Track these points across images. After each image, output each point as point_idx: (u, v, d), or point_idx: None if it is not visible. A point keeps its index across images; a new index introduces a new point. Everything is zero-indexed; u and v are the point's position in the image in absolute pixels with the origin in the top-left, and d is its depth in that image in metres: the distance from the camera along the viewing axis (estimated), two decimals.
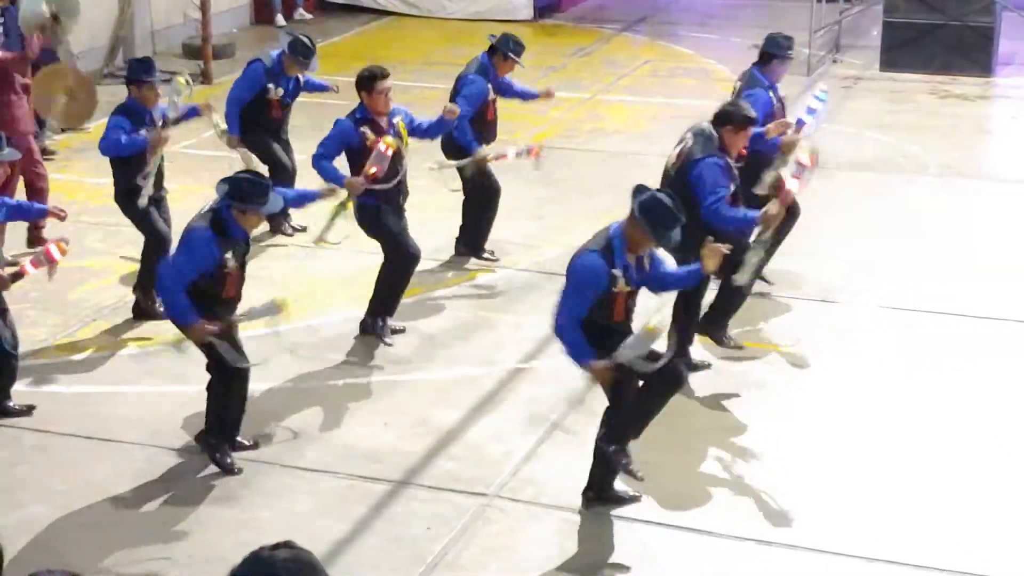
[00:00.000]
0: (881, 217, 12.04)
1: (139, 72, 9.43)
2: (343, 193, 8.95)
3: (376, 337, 9.31)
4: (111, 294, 10.20)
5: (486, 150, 10.47)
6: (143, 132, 9.27)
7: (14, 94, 10.80)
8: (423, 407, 8.59)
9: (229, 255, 7.46)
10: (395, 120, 9.27)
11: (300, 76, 11.14)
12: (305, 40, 10.91)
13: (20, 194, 10.74)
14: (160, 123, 9.39)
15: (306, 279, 10.36)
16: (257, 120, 10.96)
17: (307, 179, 12.66)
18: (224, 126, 10.54)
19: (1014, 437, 8.29)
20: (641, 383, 7.00)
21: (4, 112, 10.71)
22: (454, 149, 10.53)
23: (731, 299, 8.92)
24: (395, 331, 9.42)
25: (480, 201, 10.75)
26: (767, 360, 9.24)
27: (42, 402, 8.55)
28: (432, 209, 11.37)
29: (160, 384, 8.84)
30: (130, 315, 9.75)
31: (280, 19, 19.95)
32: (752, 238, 8.58)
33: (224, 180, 7.51)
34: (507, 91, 10.88)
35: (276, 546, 3.19)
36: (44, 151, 12.49)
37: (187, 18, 18.01)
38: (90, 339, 9.50)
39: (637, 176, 12.99)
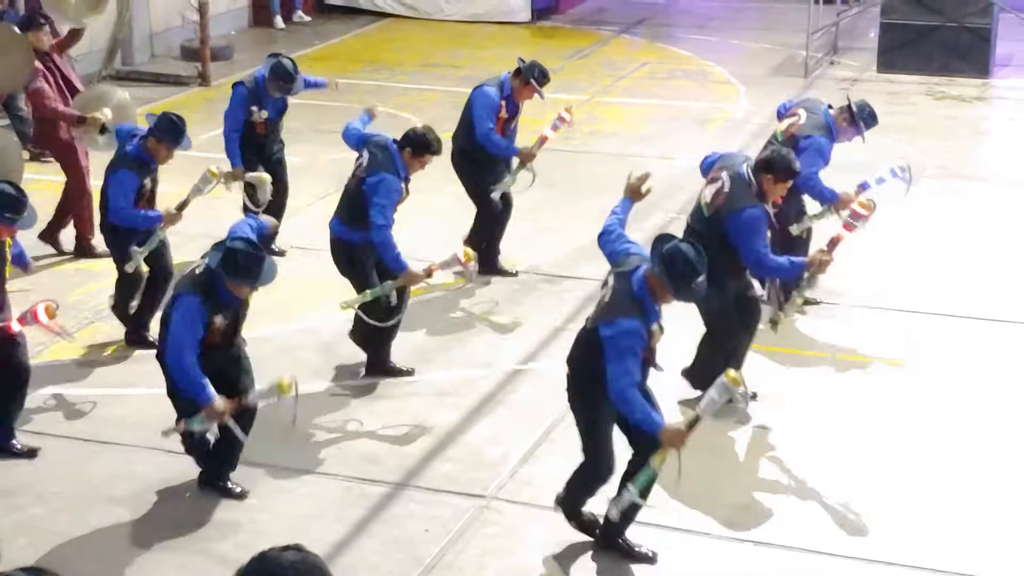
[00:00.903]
0: (877, 218, 12.02)
1: (169, 135, 9.04)
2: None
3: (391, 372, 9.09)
4: (110, 296, 10.20)
5: (526, 148, 10.38)
6: (157, 211, 9.10)
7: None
8: (421, 409, 8.60)
9: (219, 317, 7.20)
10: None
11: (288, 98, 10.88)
12: (287, 65, 10.55)
13: None
14: (176, 204, 9.11)
15: (304, 281, 10.36)
16: (241, 142, 10.67)
17: (306, 179, 12.69)
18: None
19: (1012, 438, 8.30)
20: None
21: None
22: (492, 169, 10.42)
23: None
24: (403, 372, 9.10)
25: (496, 216, 10.60)
26: (770, 360, 9.24)
27: (40, 404, 8.56)
28: (431, 210, 11.39)
29: (158, 386, 8.78)
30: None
31: (279, 21, 19.96)
32: (798, 286, 8.46)
33: (217, 246, 7.20)
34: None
35: (285, 548, 3.21)
36: (43, 152, 12.50)
37: (185, 20, 18.03)
38: (88, 341, 9.51)
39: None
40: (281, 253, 10.72)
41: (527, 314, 10.05)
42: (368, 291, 8.61)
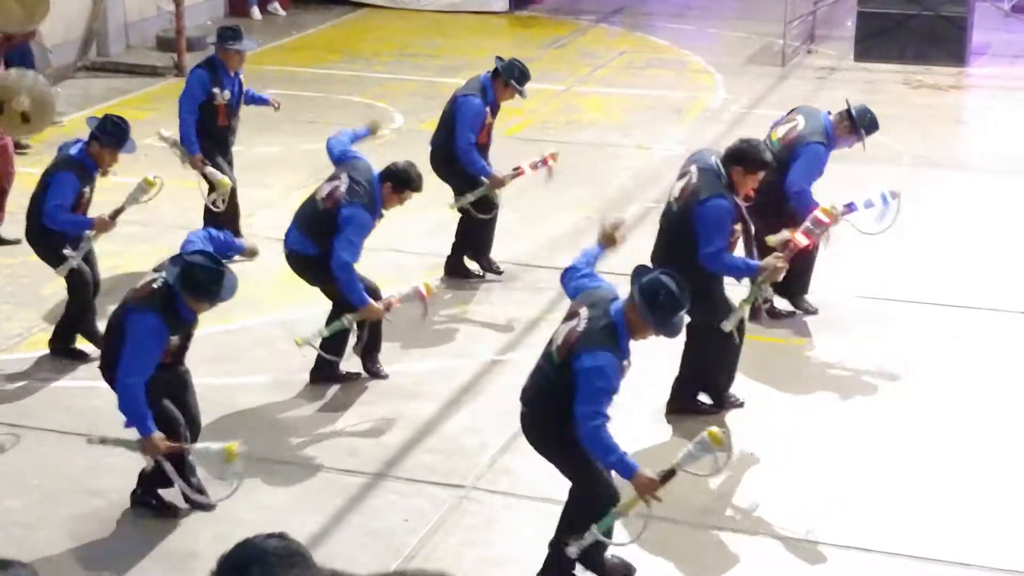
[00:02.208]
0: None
1: (112, 138, 8.80)
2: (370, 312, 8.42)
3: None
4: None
5: (499, 175, 10.10)
6: (89, 217, 8.78)
7: None
8: (399, 400, 8.59)
9: (175, 338, 6.94)
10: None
11: (242, 77, 10.73)
12: (229, 26, 10.61)
13: None
14: (110, 212, 8.78)
15: (279, 272, 10.33)
16: (204, 133, 10.44)
17: (281, 170, 12.65)
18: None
19: (995, 424, 8.34)
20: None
21: None
22: (465, 179, 10.14)
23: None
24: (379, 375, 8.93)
25: (481, 226, 10.38)
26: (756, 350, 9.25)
27: (17, 397, 8.52)
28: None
29: None
30: (103, 310, 9.69)
31: (255, 12, 19.88)
32: (749, 285, 8.19)
33: (174, 261, 6.92)
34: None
35: (268, 536, 3.26)
36: (17, 145, 12.41)
37: (161, 10, 17.95)
38: None
39: (613, 167, 13.13)
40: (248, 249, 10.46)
41: (504, 305, 10.04)
42: (325, 328, 8.45)
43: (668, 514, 7.21)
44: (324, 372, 8.75)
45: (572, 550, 6.33)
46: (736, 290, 8.57)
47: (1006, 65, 17.35)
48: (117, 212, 8.83)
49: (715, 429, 6.10)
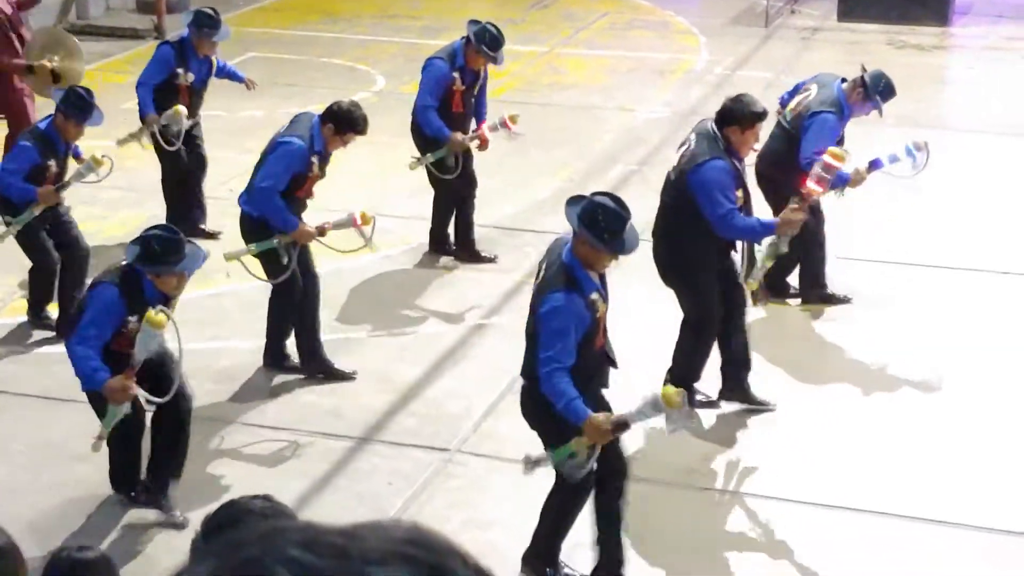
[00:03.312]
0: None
1: (75, 110, 8.63)
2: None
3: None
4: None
5: (459, 135, 9.76)
6: (39, 189, 8.55)
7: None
8: (384, 364, 8.59)
9: (134, 318, 6.60)
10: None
11: (213, 58, 10.40)
12: (209, 11, 10.22)
13: None
14: (56, 185, 8.63)
15: None
16: (163, 110, 10.05)
17: (262, 134, 12.62)
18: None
19: (980, 385, 8.38)
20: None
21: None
22: (426, 142, 9.87)
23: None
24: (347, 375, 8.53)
25: (458, 196, 10.12)
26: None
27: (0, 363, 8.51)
28: (394, 165, 11.34)
29: None
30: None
31: None
32: (766, 243, 7.81)
33: (135, 241, 6.73)
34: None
35: (255, 497, 3.32)
36: None
37: None
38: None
39: (596, 130, 13.11)
40: (214, 235, 10.16)
41: (489, 269, 10.03)
42: (254, 244, 8.19)
43: (651, 475, 7.25)
44: (269, 355, 8.46)
45: (528, 468, 6.31)
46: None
47: (989, 25, 17.33)
48: (62, 187, 8.69)
49: (670, 388, 6.02)
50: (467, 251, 10.17)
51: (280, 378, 8.39)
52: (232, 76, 10.79)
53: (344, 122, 8.13)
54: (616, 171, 11.72)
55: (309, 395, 8.21)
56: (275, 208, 8.07)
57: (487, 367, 8.53)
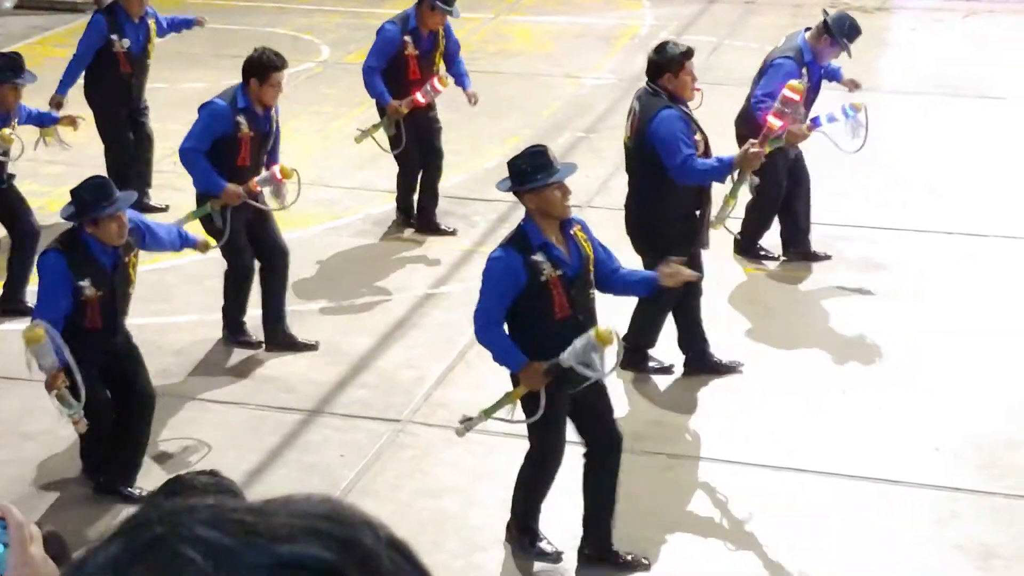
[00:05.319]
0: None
1: (6, 71, 8.44)
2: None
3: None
4: None
5: (395, 102, 9.62)
6: None
7: None
8: (334, 335, 8.57)
9: (85, 282, 6.55)
10: (273, 115, 8.26)
11: (151, 22, 10.15)
12: None
13: None
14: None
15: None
16: (103, 81, 9.89)
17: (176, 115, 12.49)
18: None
19: (940, 346, 8.46)
20: (584, 451, 6.37)
21: None
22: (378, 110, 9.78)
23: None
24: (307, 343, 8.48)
25: (419, 166, 10.01)
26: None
27: None
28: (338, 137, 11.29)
29: None
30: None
31: None
32: (728, 183, 7.83)
33: (69, 203, 6.67)
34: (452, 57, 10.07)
35: (200, 472, 3.32)
36: None
37: None
38: None
39: (543, 97, 13.08)
40: (161, 209, 10.02)
41: (437, 238, 10.01)
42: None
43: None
44: (231, 330, 8.39)
45: (460, 429, 6.41)
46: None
47: None
48: None
49: (603, 327, 6.01)
50: (426, 222, 10.10)
51: (230, 352, 8.35)
52: (182, 25, 10.56)
53: (258, 68, 8.05)
54: (564, 139, 11.72)
55: (260, 369, 8.18)
56: (200, 171, 8.07)
57: (438, 336, 8.53)
